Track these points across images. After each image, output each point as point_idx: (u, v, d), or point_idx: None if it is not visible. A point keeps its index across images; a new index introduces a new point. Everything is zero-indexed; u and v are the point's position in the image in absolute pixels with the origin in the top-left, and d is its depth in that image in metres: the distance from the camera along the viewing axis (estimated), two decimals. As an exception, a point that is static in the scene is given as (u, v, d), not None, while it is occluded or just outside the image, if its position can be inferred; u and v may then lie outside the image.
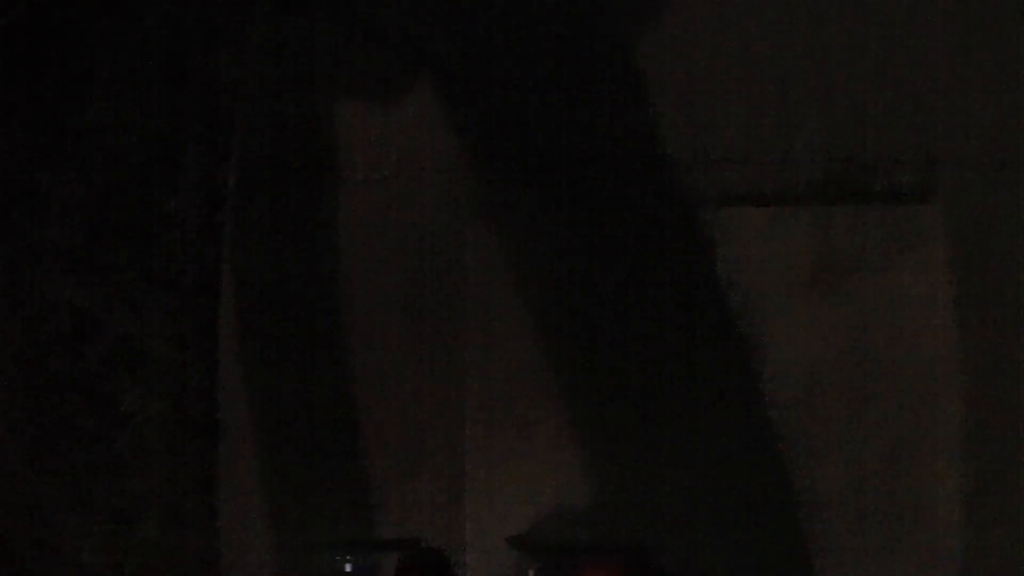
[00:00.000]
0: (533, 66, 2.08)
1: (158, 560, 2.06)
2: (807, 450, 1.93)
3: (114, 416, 2.12)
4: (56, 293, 2.17)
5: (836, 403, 1.95)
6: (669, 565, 1.89)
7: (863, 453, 1.93)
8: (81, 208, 2.21)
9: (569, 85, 2.06)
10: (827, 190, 1.99)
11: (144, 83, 2.25)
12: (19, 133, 2.26)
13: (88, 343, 2.15)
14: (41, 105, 2.27)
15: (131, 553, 2.06)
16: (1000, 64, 1.99)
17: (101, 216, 2.21)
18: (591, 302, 2.00)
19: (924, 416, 1.95)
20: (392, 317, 2.06)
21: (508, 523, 1.95)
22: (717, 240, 1.98)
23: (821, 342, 1.97)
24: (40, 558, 2.06)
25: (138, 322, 2.15)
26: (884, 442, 1.94)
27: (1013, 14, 1.98)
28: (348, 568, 1.85)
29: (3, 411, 2.10)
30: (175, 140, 2.22)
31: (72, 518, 2.08)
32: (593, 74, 2.06)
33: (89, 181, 2.22)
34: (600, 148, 2.04)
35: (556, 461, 1.97)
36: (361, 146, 2.11)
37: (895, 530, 1.90)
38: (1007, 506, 1.93)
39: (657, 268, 1.99)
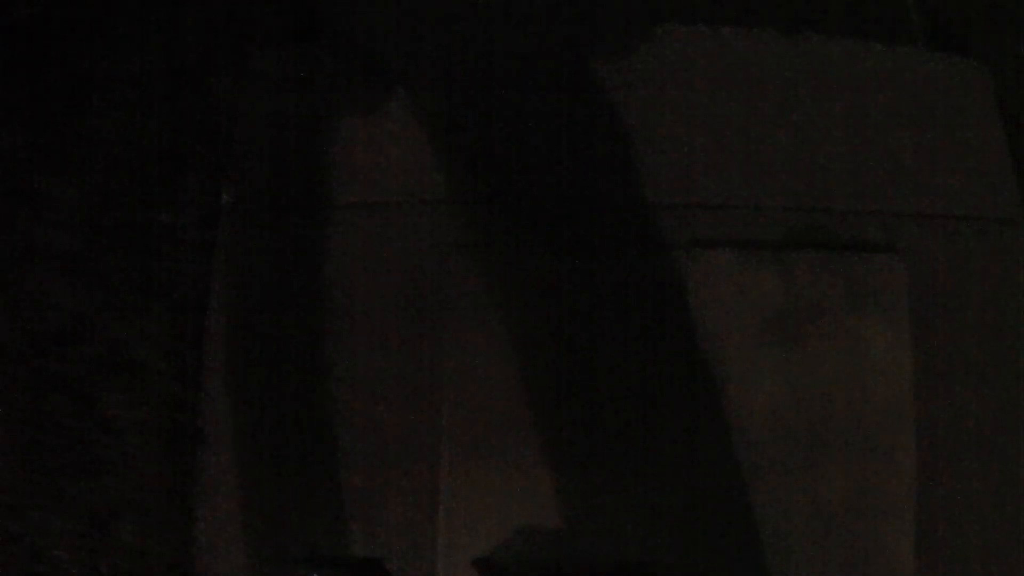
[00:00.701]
0: (528, 111, 2.18)
1: (131, 563, 2.10)
2: (770, 488, 2.00)
3: (98, 419, 2.17)
4: (52, 294, 2.23)
5: (797, 445, 2.03)
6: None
7: (822, 494, 2.00)
8: (81, 212, 2.27)
9: (560, 130, 2.17)
10: (794, 238, 2.10)
11: (146, 95, 2.33)
12: (20, 133, 2.33)
13: (80, 346, 2.20)
14: (42, 108, 2.34)
15: (105, 554, 2.09)
16: (965, 124, 2.13)
17: (100, 222, 2.27)
18: (567, 335, 2.08)
19: (879, 461, 2.03)
20: (375, 339, 2.10)
21: (480, 545, 2.00)
22: (688, 282, 2.07)
23: (783, 385, 2.04)
24: (13, 553, 2.08)
25: (130, 329, 2.21)
26: (842, 484, 2.01)
27: (980, 80, 2.12)
28: (309, 585, 1.90)
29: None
30: (175, 154, 2.31)
31: (48, 516, 2.11)
32: (579, 121, 2.17)
33: (90, 186, 2.29)
34: (582, 190, 2.14)
35: (530, 486, 2.01)
36: (351, 175, 2.18)
37: (854, 564, 1.98)
38: (957, 547, 2.03)
39: (632, 307, 2.07)
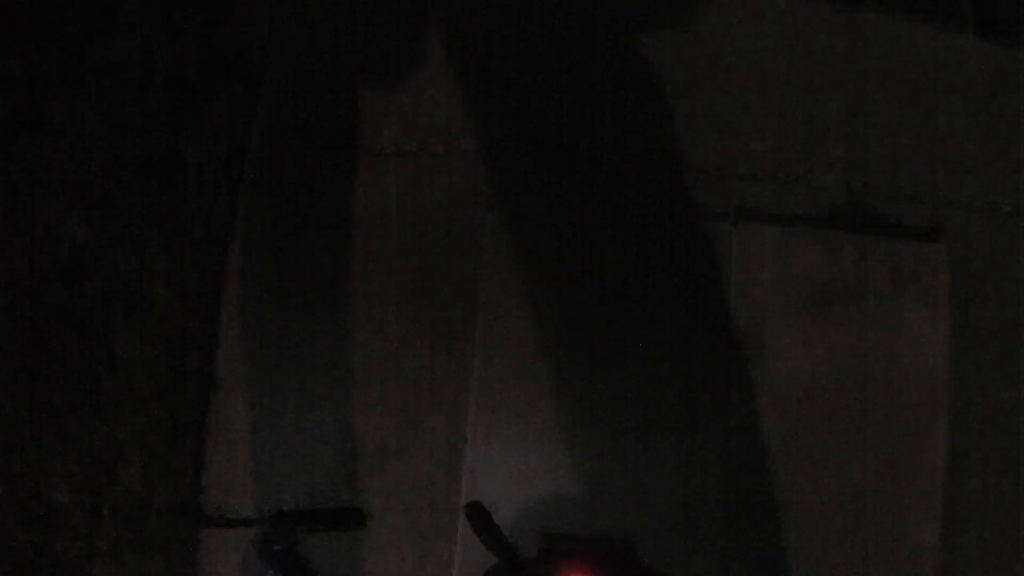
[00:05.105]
0: (572, 64, 2.11)
1: (134, 509, 2.01)
2: (800, 463, 1.97)
3: (105, 357, 2.07)
4: (59, 224, 2.12)
5: (831, 422, 2.00)
6: (655, 560, 1.91)
7: (854, 471, 1.98)
8: (96, 143, 2.16)
9: (605, 85, 2.10)
10: (841, 216, 2.06)
11: (174, 26, 2.23)
12: (36, 59, 2.21)
13: (86, 280, 2.10)
14: (63, 35, 2.22)
15: (107, 499, 2.00)
16: (1016, 116, 2.10)
17: (117, 153, 2.17)
18: (602, 296, 2.02)
19: (911, 446, 2.00)
20: (401, 291, 2.03)
21: (500, 505, 1.94)
22: (732, 252, 2.02)
23: (820, 362, 2.01)
24: (12, 493, 1.98)
25: (141, 265, 2.11)
26: (874, 466, 1.99)
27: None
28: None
29: (-9, 337, 2.03)
30: (202, 88, 2.20)
31: (50, 456, 2.01)
32: (630, 78, 2.11)
33: (108, 116, 2.18)
34: (628, 151, 2.07)
35: (556, 450, 1.96)
36: (389, 117, 2.09)
37: (880, 546, 1.95)
38: (982, 534, 2.01)
39: (669, 274, 2.02)
